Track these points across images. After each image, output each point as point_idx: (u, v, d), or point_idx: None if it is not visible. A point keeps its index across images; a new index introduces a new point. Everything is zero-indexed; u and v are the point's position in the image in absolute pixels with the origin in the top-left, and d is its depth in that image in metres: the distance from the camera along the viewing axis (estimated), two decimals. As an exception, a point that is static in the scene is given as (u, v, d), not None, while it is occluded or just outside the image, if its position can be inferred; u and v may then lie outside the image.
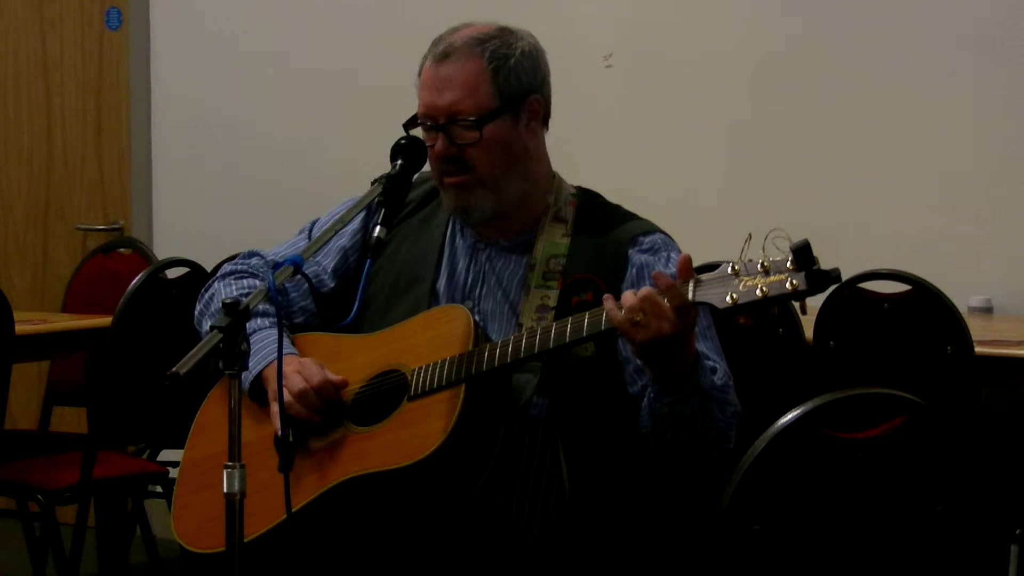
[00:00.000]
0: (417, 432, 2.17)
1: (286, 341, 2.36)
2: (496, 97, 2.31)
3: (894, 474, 1.94)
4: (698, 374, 2.13)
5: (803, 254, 1.92)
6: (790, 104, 4.36)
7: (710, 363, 2.21)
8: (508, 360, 2.16)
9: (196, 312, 2.52)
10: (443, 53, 2.32)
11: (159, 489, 4.14)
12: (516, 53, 2.34)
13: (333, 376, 2.29)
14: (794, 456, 1.89)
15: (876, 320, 3.34)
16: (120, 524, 4.27)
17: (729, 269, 1.99)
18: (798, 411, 1.89)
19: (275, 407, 2.26)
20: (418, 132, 2.37)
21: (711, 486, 2.17)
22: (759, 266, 1.96)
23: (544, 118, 2.41)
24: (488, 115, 2.30)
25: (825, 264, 1.93)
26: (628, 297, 2.05)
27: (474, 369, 2.17)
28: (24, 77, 5.42)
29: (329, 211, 2.52)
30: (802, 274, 1.93)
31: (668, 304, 2.01)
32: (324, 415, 2.27)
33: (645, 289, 2.03)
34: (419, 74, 2.36)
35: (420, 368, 2.23)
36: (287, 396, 2.26)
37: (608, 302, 2.07)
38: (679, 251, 2.36)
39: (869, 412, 1.95)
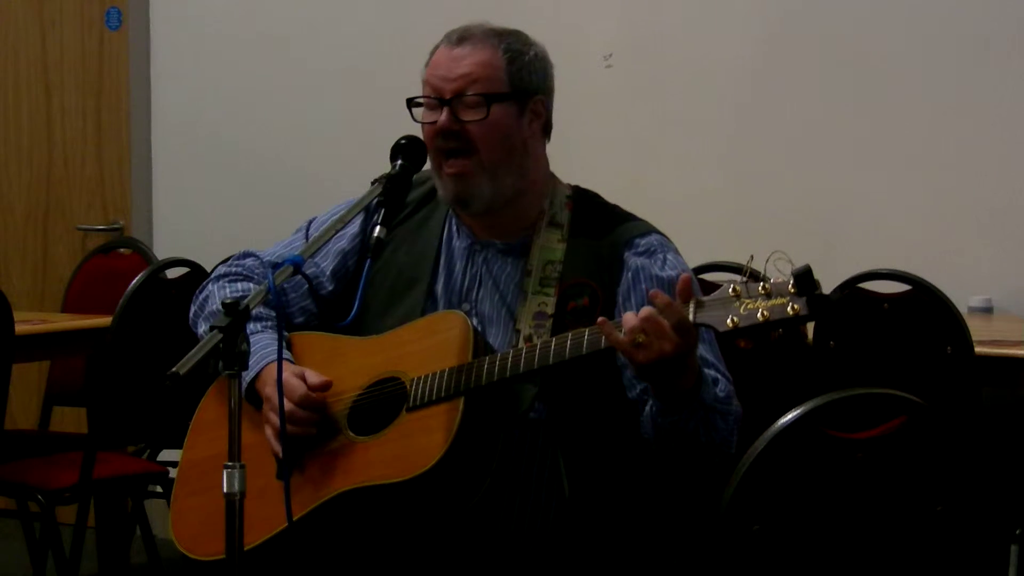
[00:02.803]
0: (417, 445, 2.15)
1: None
2: (507, 84, 2.33)
3: (894, 474, 1.94)
4: (702, 390, 2.12)
5: (804, 279, 1.91)
6: (790, 104, 4.36)
7: (711, 372, 2.20)
8: (507, 374, 2.15)
9: (191, 314, 2.52)
10: (460, 37, 2.34)
11: (159, 489, 4.14)
12: (530, 52, 2.37)
13: (315, 379, 2.26)
14: (794, 456, 1.89)
15: (876, 320, 3.34)
16: (120, 524, 4.27)
17: (730, 290, 1.98)
18: (798, 411, 1.89)
19: (273, 418, 2.25)
20: (418, 113, 2.36)
21: (711, 486, 2.17)
22: (760, 288, 1.95)
23: (545, 126, 2.41)
24: (497, 96, 2.31)
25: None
26: (629, 318, 2.03)
27: (473, 382, 2.16)
28: (24, 77, 5.42)
29: (327, 211, 2.51)
30: (803, 299, 1.92)
31: (668, 323, 2.00)
32: (318, 425, 2.26)
33: (646, 309, 2.02)
34: (427, 62, 2.37)
35: (419, 378, 2.22)
36: (275, 417, 2.24)
37: (606, 326, 2.05)
38: (676, 252, 2.36)
39: (869, 412, 1.95)
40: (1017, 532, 3.38)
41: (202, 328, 2.46)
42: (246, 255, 2.54)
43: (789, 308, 1.92)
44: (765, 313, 1.94)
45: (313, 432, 2.25)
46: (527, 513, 2.27)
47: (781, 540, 1.91)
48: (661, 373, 2.05)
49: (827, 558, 1.93)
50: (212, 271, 2.60)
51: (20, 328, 3.60)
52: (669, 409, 2.13)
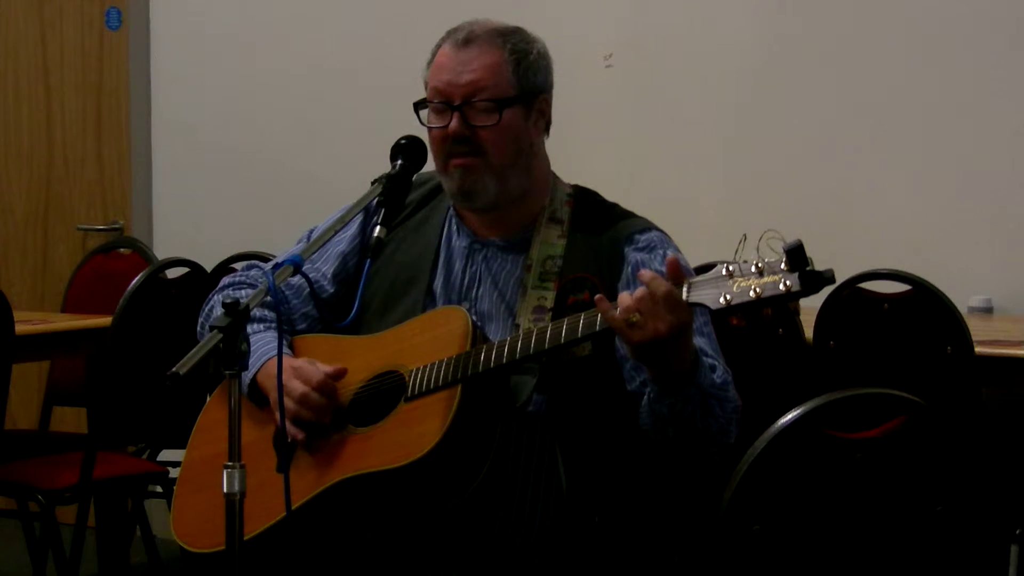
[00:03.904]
0: (413, 433, 2.17)
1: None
2: (515, 86, 2.33)
3: (894, 474, 1.94)
4: (698, 374, 2.12)
5: (796, 255, 1.92)
6: (790, 104, 4.36)
7: (709, 360, 2.20)
8: (504, 361, 2.16)
9: (198, 327, 2.53)
10: (465, 39, 2.34)
11: (159, 489, 4.14)
12: (534, 51, 2.38)
13: (329, 368, 2.28)
14: (794, 456, 1.89)
15: (876, 320, 3.34)
16: (120, 524, 4.27)
17: (723, 270, 1.99)
18: (798, 411, 1.89)
19: (289, 404, 2.26)
20: (424, 115, 2.37)
21: (711, 486, 2.17)
22: (753, 267, 1.96)
23: (547, 123, 2.42)
24: (507, 100, 2.32)
25: (823, 264, 1.93)
26: (624, 298, 2.05)
27: (470, 370, 2.17)
28: (24, 77, 5.42)
29: (326, 218, 2.52)
30: (795, 275, 1.93)
31: (662, 300, 2.01)
32: (331, 414, 2.27)
33: (641, 289, 2.04)
34: (429, 62, 2.38)
35: (418, 369, 2.23)
36: (289, 402, 2.26)
37: (602, 304, 2.07)
38: (675, 248, 2.38)
39: (869, 412, 1.95)
40: (1017, 532, 3.38)
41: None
42: (251, 267, 2.56)
43: (781, 284, 1.93)
44: (757, 290, 1.94)
45: (327, 421, 2.26)
46: (524, 506, 2.27)
47: (781, 540, 1.91)
48: (657, 354, 2.06)
49: (827, 558, 1.93)
50: (217, 272, 2.60)
51: (20, 328, 3.60)
52: (666, 392, 2.13)
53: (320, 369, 2.28)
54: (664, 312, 2.01)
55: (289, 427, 2.26)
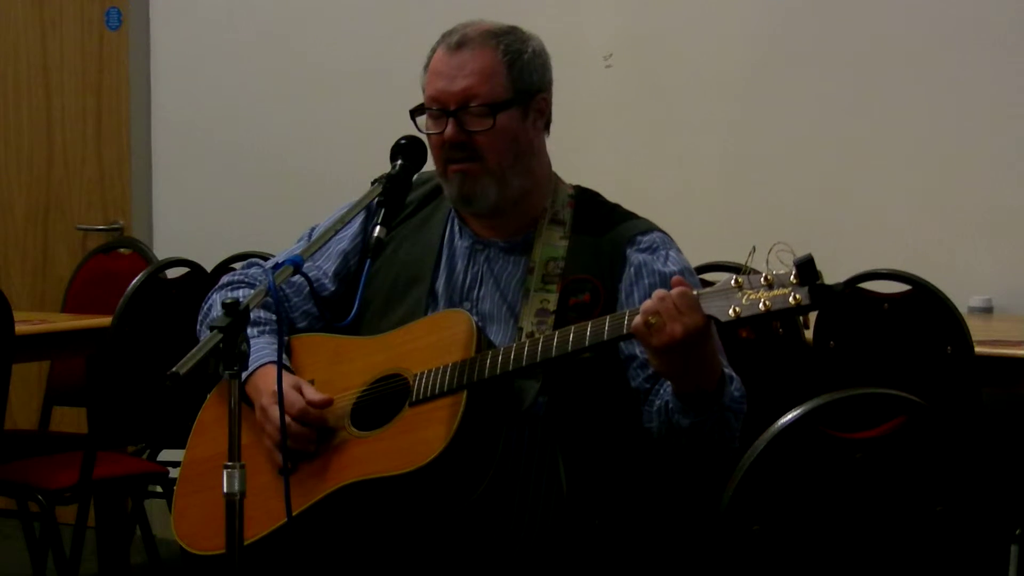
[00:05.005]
0: (418, 438, 2.16)
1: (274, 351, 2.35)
2: (510, 89, 2.33)
3: (894, 474, 1.94)
4: (724, 394, 2.13)
5: (807, 269, 1.91)
6: (790, 104, 4.36)
7: (728, 371, 2.20)
8: (510, 368, 2.16)
9: (198, 325, 2.52)
10: (458, 42, 2.33)
11: (159, 489, 4.14)
12: (528, 50, 2.36)
13: (314, 396, 2.26)
14: (794, 456, 1.89)
15: (876, 320, 3.34)
16: (120, 524, 4.27)
17: (732, 282, 1.98)
18: (798, 411, 1.89)
19: (268, 428, 2.25)
20: (421, 121, 2.37)
21: (711, 486, 2.17)
22: (762, 279, 1.95)
23: (546, 121, 2.42)
24: (502, 104, 2.31)
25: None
26: (645, 303, 2.04)
27: (475, 376, 2.17)
28: (24, 77, 5.42)
29: (328, 217, 2.51)
30: (805, 289, 1.92)
31: (676, 301, 2.00)
32: (315, 438, 2.25)
33: (659, 290, 2.03)
34: (426, 66, 2.37)
35: (422, 373, 2.22)
36: (271, 429, 2.24)
37: (629, 314, 2.06)
38: (677, 249, 2.37)
39: (869, 412, 1.95)
40: (1017, 532, 3.38)
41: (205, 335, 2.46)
42: (250, 265, 2.55)
43: (791, 298, 1.92)
44: (767, 303, 1.94)
45: (312, 449, 2.25)
46: (525, 509, 2.27)
47: (781, 540, 1.91)
48: (677, 362, 2.04)
49: (827, 558, 1.93)
50: (217, 273, 2.60)
51: (20, 328, 3.60)
52: (690, 408, 2.13)
53: (304, 396, 2.25)
54: (679, 312, 2.00)
55: (275, 451, 2.24)
